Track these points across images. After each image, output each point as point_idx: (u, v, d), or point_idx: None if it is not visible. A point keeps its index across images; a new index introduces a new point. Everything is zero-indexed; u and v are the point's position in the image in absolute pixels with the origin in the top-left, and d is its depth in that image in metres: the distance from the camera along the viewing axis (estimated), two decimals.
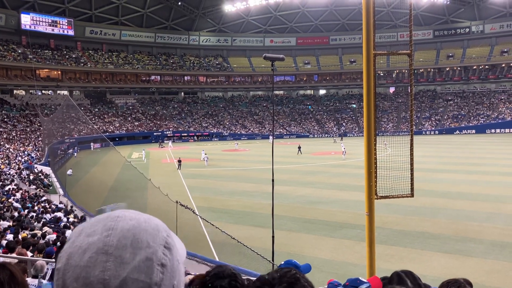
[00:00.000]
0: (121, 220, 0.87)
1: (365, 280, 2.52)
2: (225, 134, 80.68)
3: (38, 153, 46.89)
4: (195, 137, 78.89)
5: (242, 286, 1.60)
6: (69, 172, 36.05)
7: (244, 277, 1.94)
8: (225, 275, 1.75)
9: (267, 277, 1.24)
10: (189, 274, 4.92)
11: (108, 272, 0.78)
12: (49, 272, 6.05)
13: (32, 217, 15.61)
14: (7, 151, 45.22)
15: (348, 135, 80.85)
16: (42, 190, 26.39)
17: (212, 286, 1.77)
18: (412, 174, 8.33)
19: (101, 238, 0.83)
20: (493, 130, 76.22)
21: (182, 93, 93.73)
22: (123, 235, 0.83)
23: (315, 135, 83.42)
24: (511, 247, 15.16)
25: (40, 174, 33.06)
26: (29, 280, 5.54)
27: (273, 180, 11.00)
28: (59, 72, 77.64)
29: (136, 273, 0.80)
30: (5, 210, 15.71)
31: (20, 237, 10.44)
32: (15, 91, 72.72)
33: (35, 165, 37.52)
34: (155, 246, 0.85)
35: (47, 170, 35.65)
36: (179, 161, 39.18)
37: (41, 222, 14.41)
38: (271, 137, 60.80)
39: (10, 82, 70.25)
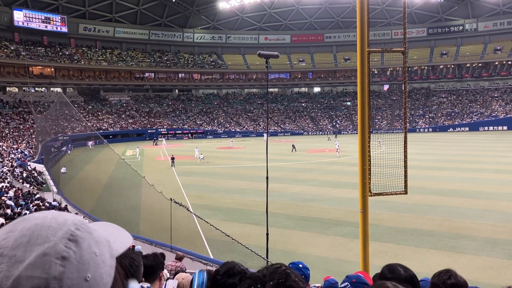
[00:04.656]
0: (26, 220, 0.84)
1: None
2: (220, 131, 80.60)
3: (31, 151, 46.55)
4: (189, 135, 78.77)
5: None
6: (62, 170, 35.92)
7: None
8: (235, 272, 1.76)
9: (258, 274, 1.24)
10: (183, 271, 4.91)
11: (1, 274, 0.76)
12: None
13: (25, 215, 15.51)
14: (0, 148, 44.86)
15: (343, 132, 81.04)
16: (35, 188, 26.21)
17: (224, 285, 1.75)
18: (405, 172, 8.35)
19: None
20: (486, 128, 76.69)
21: (176, 90, 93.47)
22: (21, 234, 0.81)
23: (310, 133, 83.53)
24: (504, 244, 15.28)
25: (33, 172, 32.82)
26: None
27: (267, 178, 11.00)
28: (52, 69, 77.19)
29: (30, 270, 0.76)
30: None
31: None
32: (7, 88, 72.23)
33: (29, 163, 37.26)
34: (55, 240, 0.81)
35: (40, 167, 35.45)
36: (172, 158, 39.05)
37: None
38: (265, 135, 60.82)
39: (3, 79, 69.76)
